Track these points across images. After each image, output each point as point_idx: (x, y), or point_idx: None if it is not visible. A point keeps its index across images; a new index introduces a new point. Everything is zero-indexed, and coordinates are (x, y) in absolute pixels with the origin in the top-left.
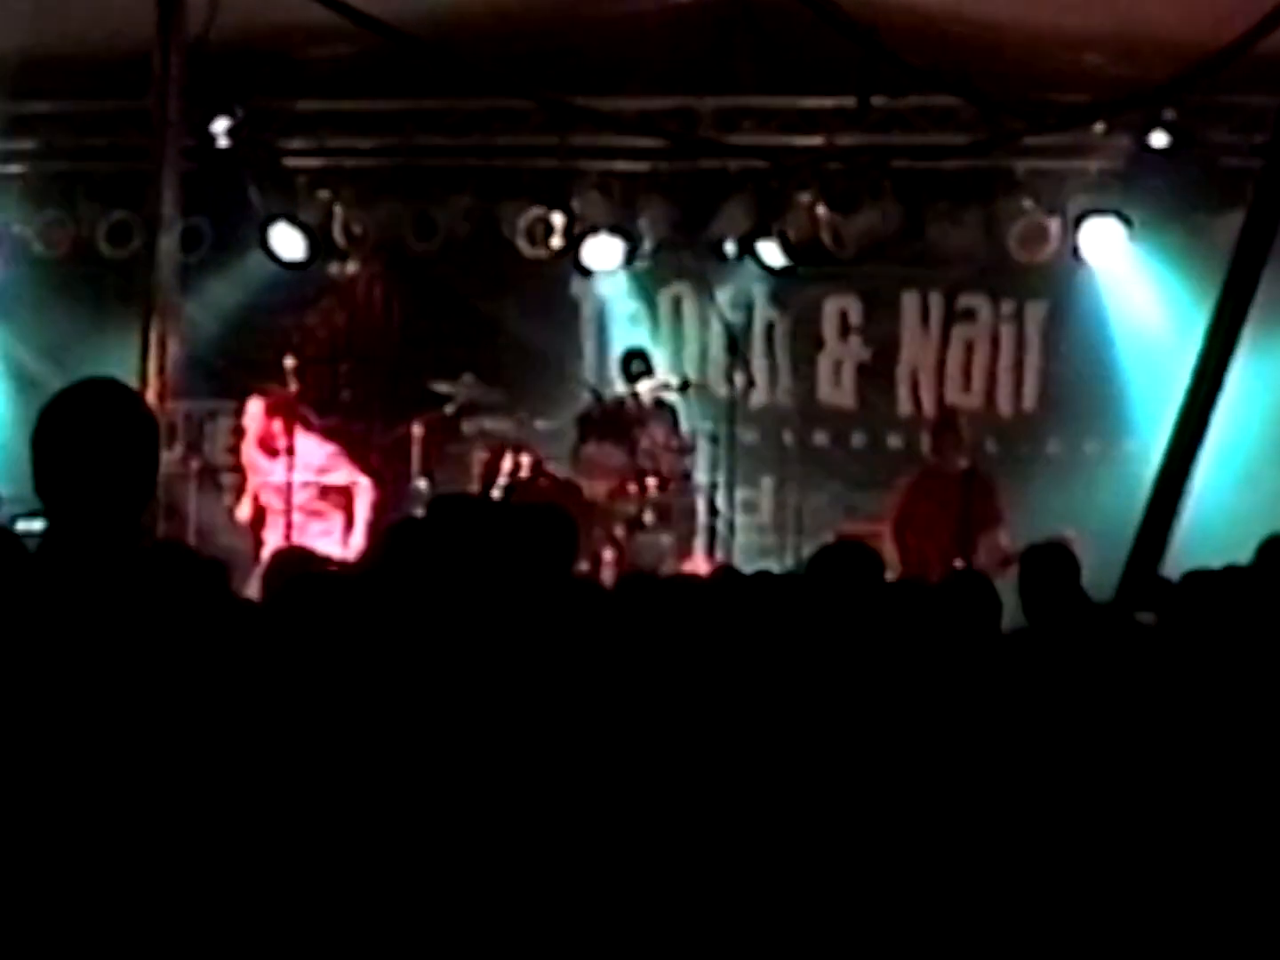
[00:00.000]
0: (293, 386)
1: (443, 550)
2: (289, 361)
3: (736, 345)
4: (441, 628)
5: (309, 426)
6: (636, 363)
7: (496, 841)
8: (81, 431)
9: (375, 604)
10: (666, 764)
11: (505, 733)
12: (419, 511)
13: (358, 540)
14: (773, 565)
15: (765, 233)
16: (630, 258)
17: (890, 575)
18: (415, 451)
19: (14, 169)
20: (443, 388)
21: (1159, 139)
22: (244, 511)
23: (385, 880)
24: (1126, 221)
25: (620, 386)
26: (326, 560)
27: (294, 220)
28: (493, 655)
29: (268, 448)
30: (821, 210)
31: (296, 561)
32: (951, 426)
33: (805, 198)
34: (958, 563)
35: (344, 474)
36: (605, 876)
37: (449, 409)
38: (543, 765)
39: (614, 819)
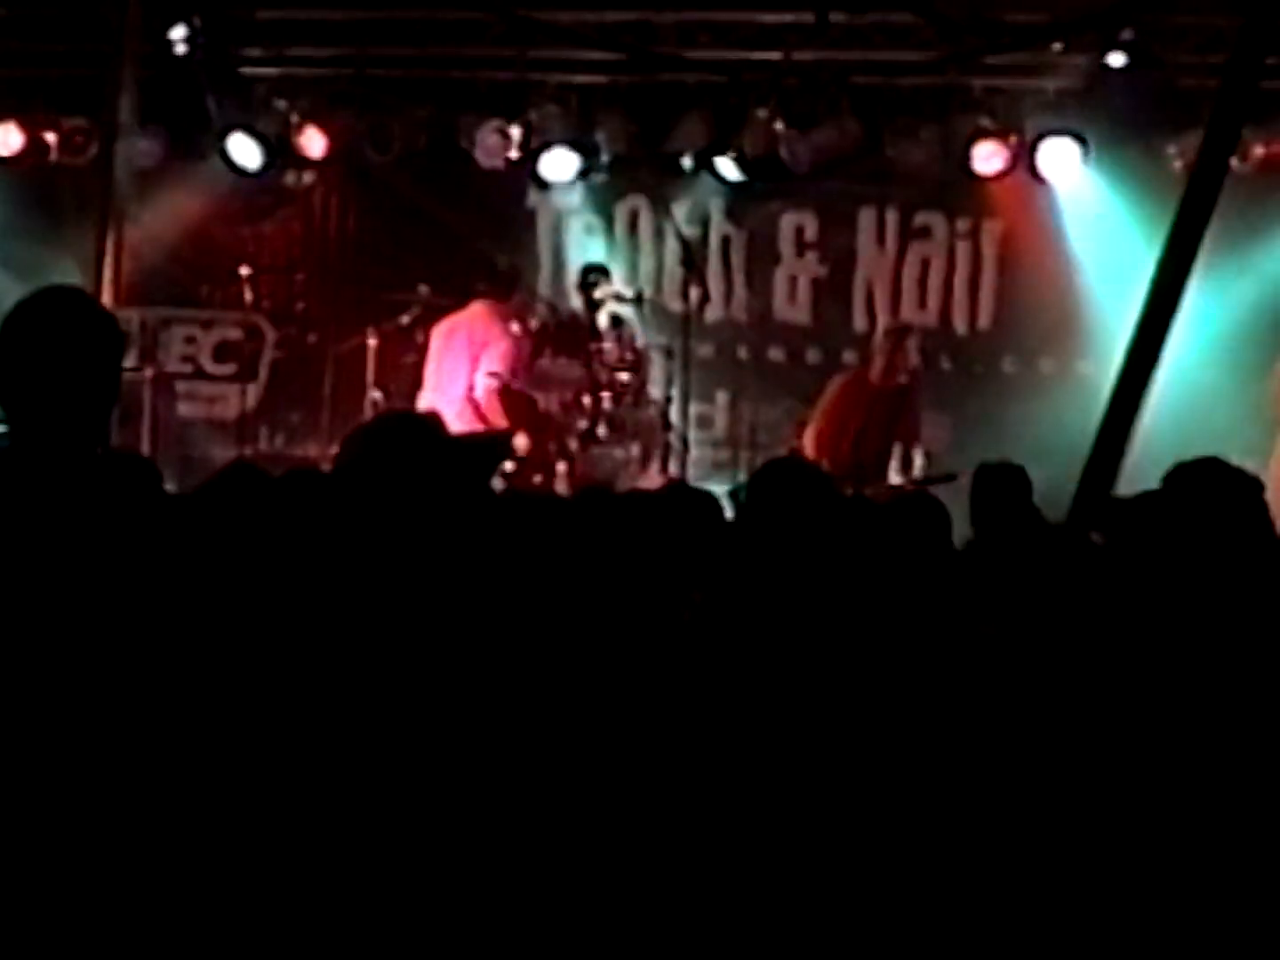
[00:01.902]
0: (248, 296)
1: (387, 463)
2: (244, 270)
3: (692, 260)
4: (390, 540)
5: None
6: (594, 275)
7: (438, 767)
8: (45, 340)
9: (319, 509)
10: (617, 687)
11: (455, 649)
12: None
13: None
14: (727, 480)
15: (722, 148)
16: (587, 171)
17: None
18: (370, 362)
19: None
20: (398, 298)
21: (1117, 59)
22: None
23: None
24: (1083, 142)
25: (575, 300)
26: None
27: (251, 129)
28: (439, 567)
29: None
30: (779, 126)
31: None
32: (902, 344)
33: (763, 113)
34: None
35: None
36: (556, 794)
37: (404, 319)
38: (495, 687)
39: (569, 753)
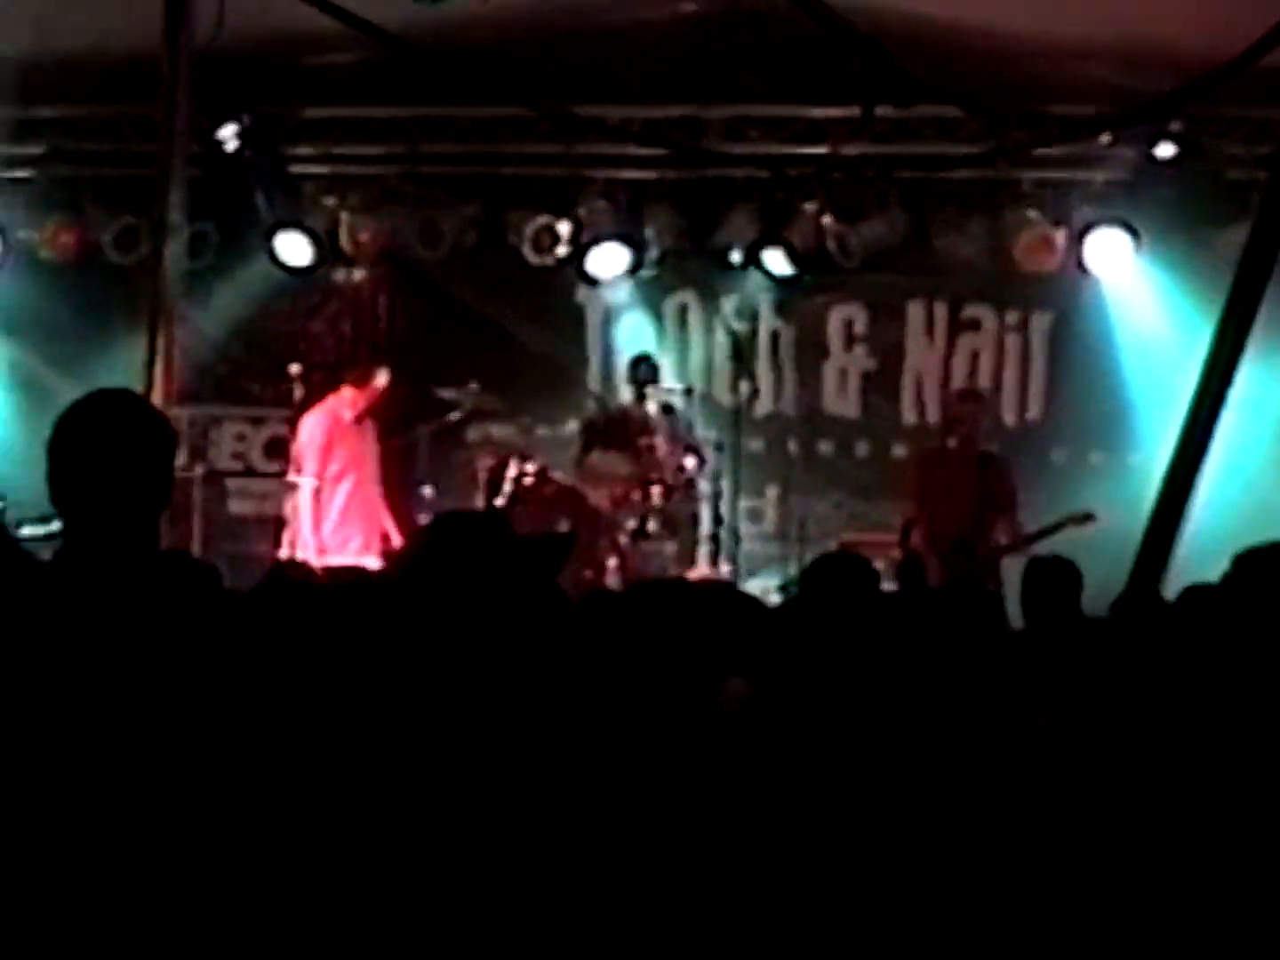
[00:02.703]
0: (297, 393)
1: (446, 565)
2: (294, 368)
3: (741, 354)
4: (445, 638)
5: None
6: (643, 368)
7: (496, 849)
8: (99, 443)
9: (376, 612)
10: (668, 769)
11: (506, 742)
12: (424, 519)
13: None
14: (777, 574)
15: (771, 241)
16: (636, 266)
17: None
18: (421, 458)
19: (20, 174)
20: (448, 395)
21: (1165, 150)
22: None
23: (376, 883)
24: (1132, 233)
25: (625, 394)
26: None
27: (300, 226)
28: (495, 663)
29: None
30: (827, 219)
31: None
32: (974, 409)
33: (810, 207)
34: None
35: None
36: (606, 877)
37: (454, 416)
38: (547, 772)
39: (619, 824)
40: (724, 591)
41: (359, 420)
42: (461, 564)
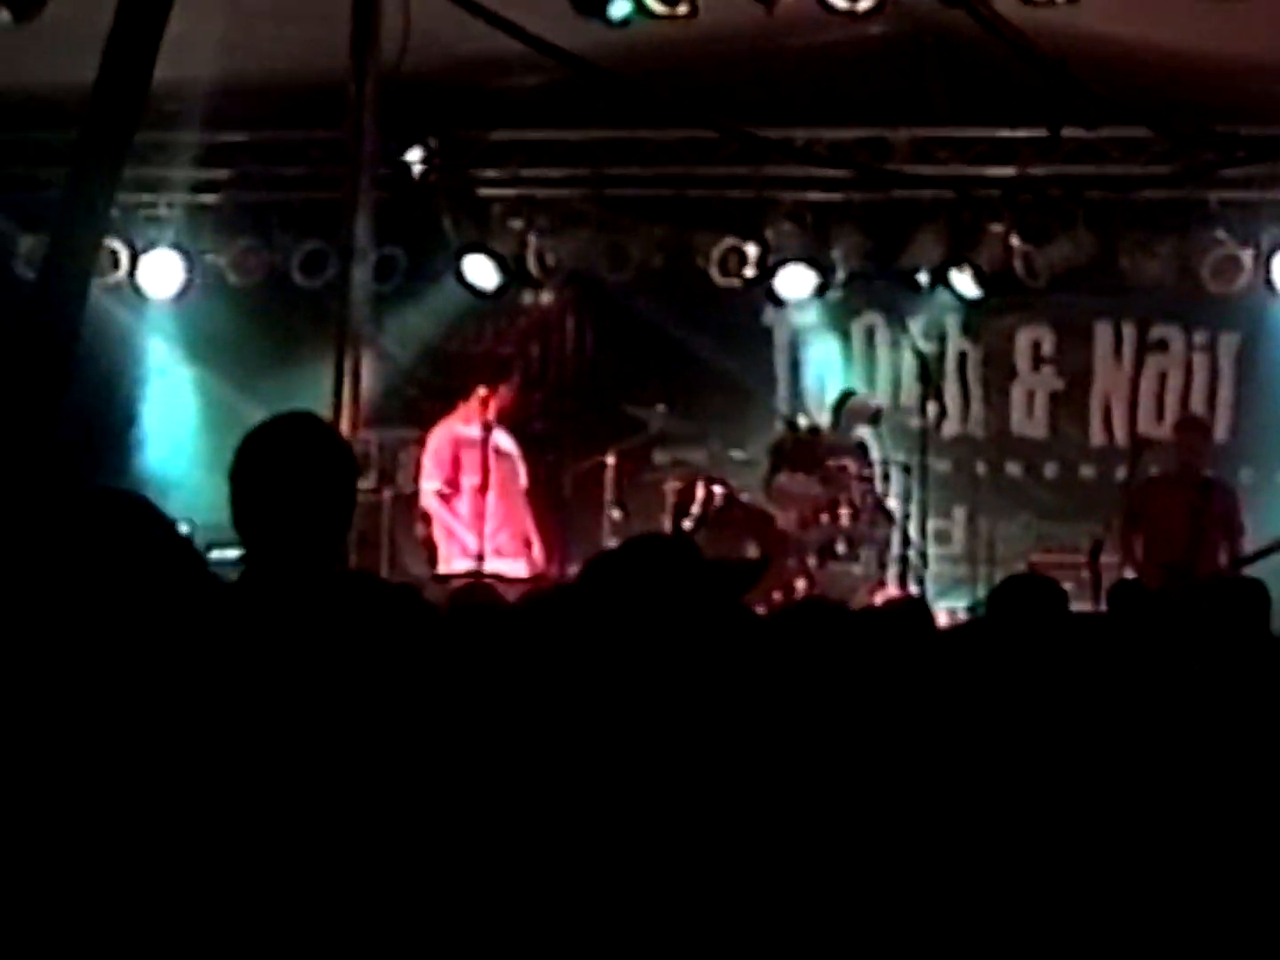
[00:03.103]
0: (489, 415)
1: (637, 588)
2: (482, 391)
3: (929, 375)
4: (633, 662)
5: None
6: (851, 400)
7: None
8: (279, 466)
9: (552, 639)
10: (847, 789)
11: (689, 764)
12: (612, 542)
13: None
14: (965, 596)
15: (957, 262)
16: (823, 288)
17: (1127, 575)
18: (608, 481)
19: (208, 199)
20: (636, 417)
21: None
22: None
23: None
24: None
25: (815, 415)
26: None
27: (487, 250)
28: (674, 690)
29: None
30: (1014, 240)
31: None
32: (1194, 437)
33: (997, 228)
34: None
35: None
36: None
37: (642, 439)
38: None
39: (815, 846)
40: (907, 614)
41: (487, 429)
42: (652, 587)
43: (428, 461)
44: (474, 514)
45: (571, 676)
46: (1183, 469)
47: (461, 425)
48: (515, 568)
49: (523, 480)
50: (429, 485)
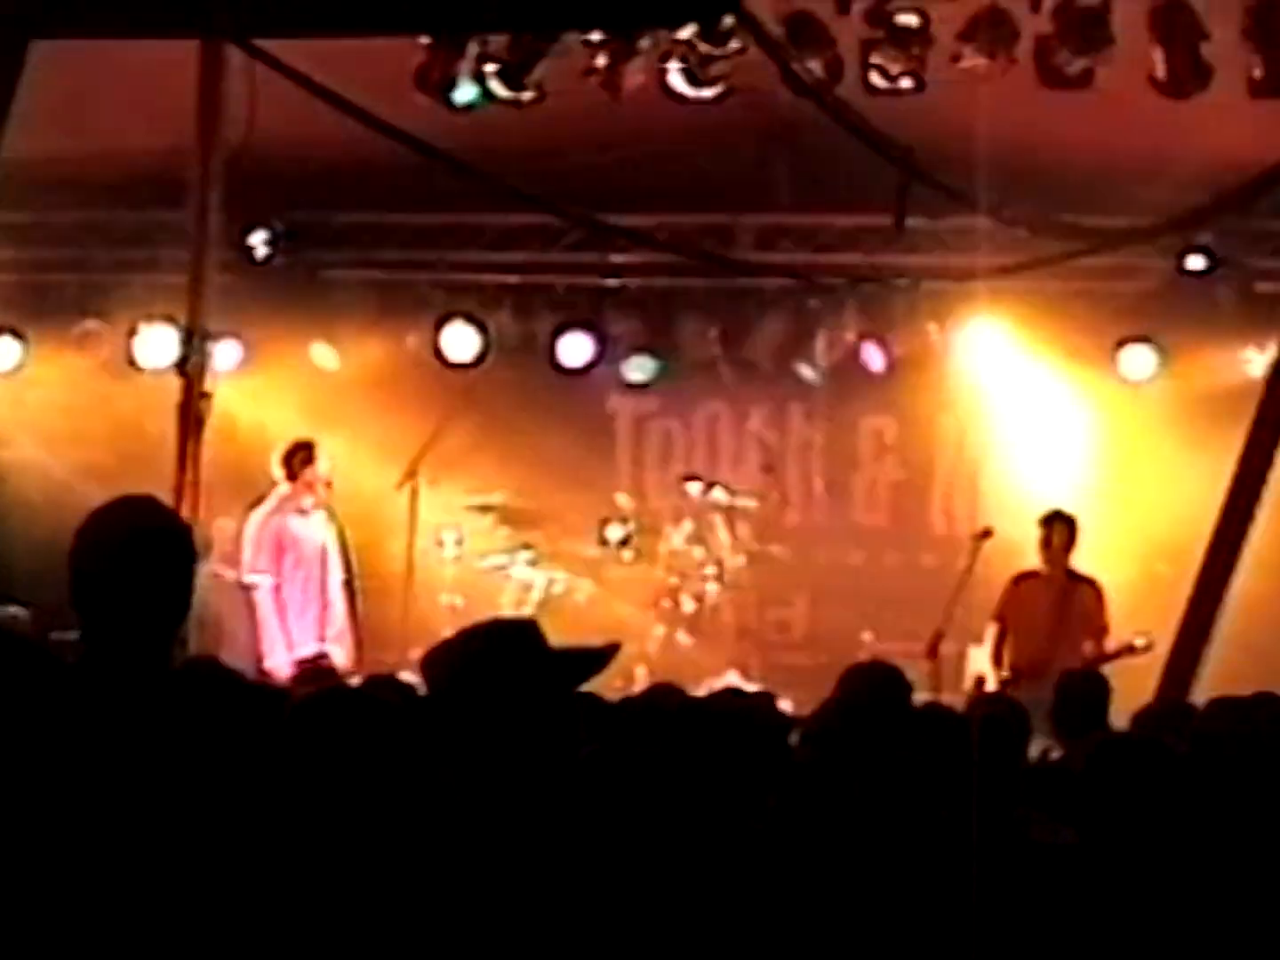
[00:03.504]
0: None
1: (479, 678)
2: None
3: (772, 463)
4: (477, 754)
5: None
6: (691, 484)
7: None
8: (118, 549)
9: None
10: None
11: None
12: (449, 628)
13: None
14: (806, 685)
15: (801, 351)
16: (666, 375)
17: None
18: (447, 567)
19: (53, 278)
20: (476, 501)
21: (1195, 262)
22: None
23: None
24: (1160, 347)
25: (656, 503)
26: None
27: (330, 334)
28: (524, 777)
29: None
30: (857, 329)
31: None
32: (1056, 532)
33: (841, 317)
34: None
35: None
36: None
37: (482, 524)
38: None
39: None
40: (750, 710)
41: (302, 512)
42: (501, 673)
43: (248, 549)
44: (293, 604)
45: (422, 764)
46: (1048, 566)
47: (276, 510)
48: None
49: (340, 569)
50: (253, 576)
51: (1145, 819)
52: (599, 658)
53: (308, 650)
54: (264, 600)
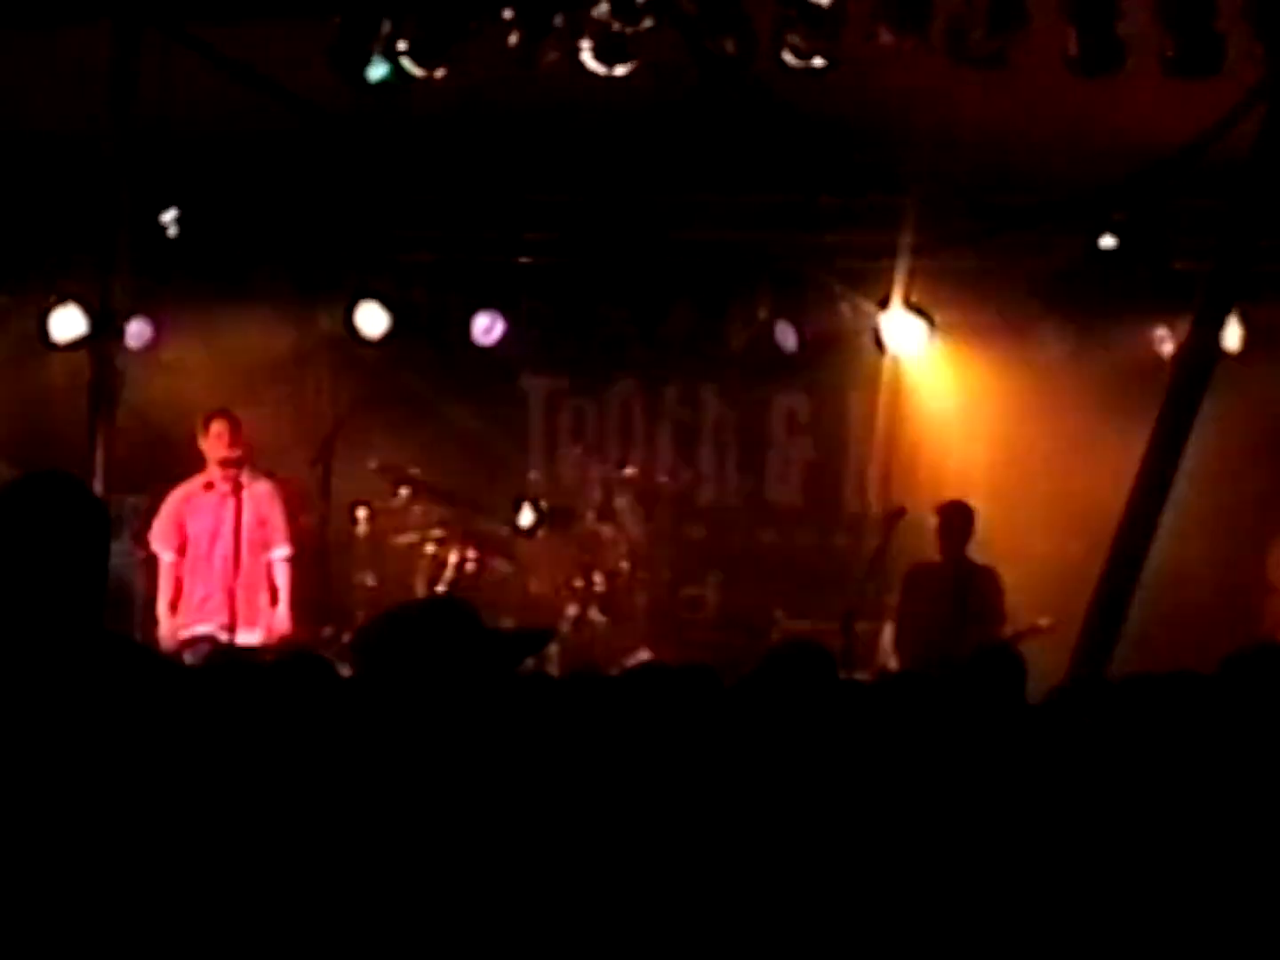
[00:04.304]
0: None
1: (418, 656)
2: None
3: (684, 441)
4: (411, 729)
5: None
6: (589, 459)
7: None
8: (32, 525)
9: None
10: (617, 859)
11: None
12: (363, 606)
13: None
14: (719, 663)
15: (714, 329)
16: (580, 353)
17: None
18: (361, 544)
19: None
20: (388, 479)
21: (1108, 241)
22: None
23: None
24: (1076, 323)
25: (568, 481)
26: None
27: (243, 310)
28: (459, 754)
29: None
30: (770, 308)
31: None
32: (952, 521)
33: (755, 295)
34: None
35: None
36: None
37: (395, 502)
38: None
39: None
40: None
41: (208, 488)
42: (446, 656)
43: (156, 524)
44: (190, 580)
45: (347, 744)
46: (944, 555)
47: (186, 485)
48: (249, 636)
49: (277, 541)
50: (161, 551)
51: (1061, 795)
52: (535, 640)
53: (199, 629)
54: (163, 575)
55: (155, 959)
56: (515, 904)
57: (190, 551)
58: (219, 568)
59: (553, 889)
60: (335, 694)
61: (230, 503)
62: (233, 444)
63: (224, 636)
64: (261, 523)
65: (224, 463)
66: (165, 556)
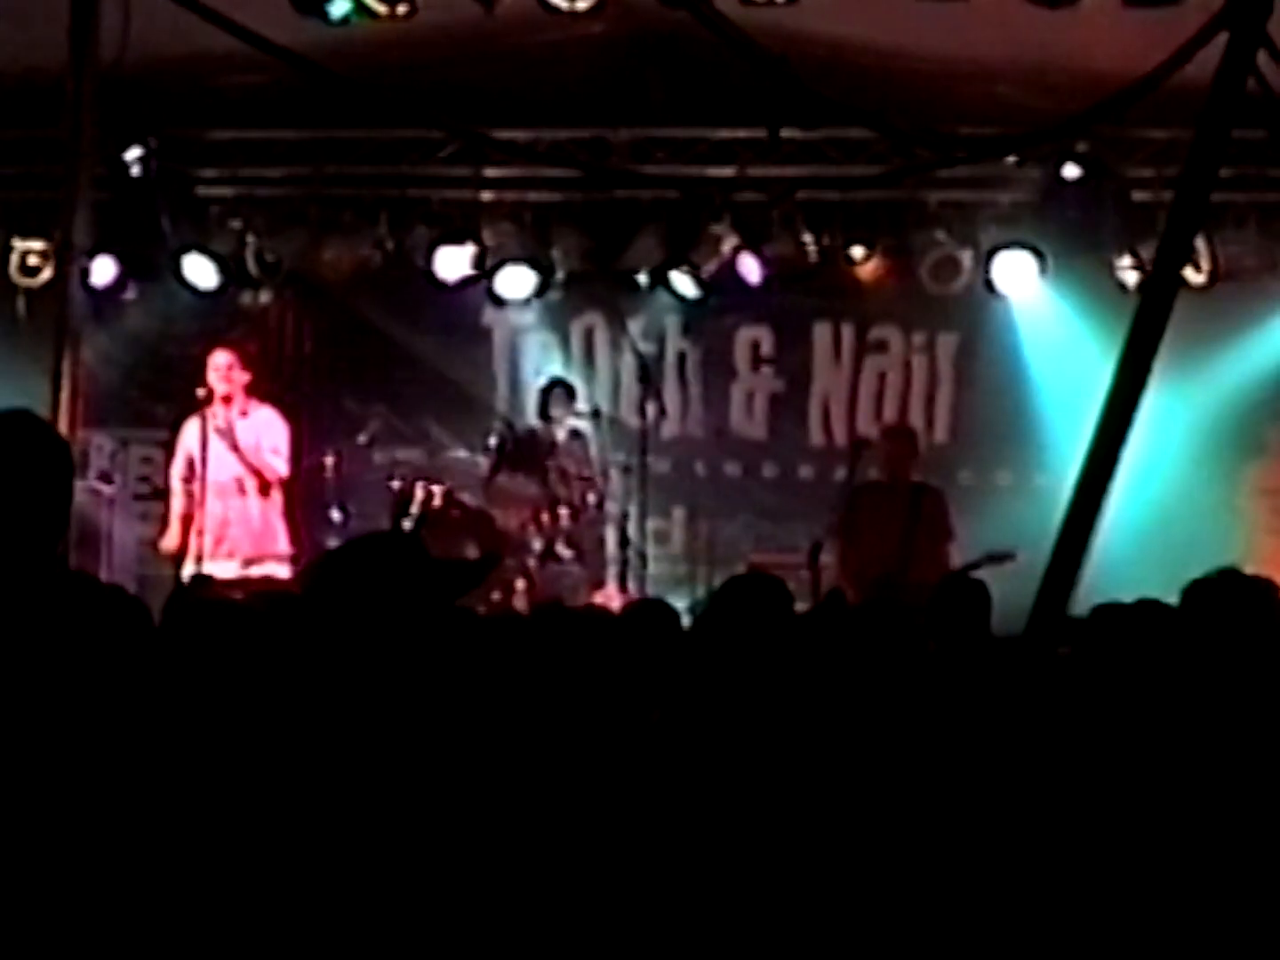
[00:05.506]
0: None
1: (356, 588)
2: (201, 391)
3: (649, 375)
4: (351, 663)
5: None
6: (558, 392)
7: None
8: None
9: (283, 637)
10: (576, 794)
11: (413, 770)
12: (332, 541)
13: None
14: (685, 595)
15: (677, 263)
16: (543, 288)
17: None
18: (328, 481)
19: None
20: (355, 417)
21: (1071, 171)
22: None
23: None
24: (1038, 254)
25: (533, 417)
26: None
27: (206, 250)
28: (400, 690)
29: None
30: (733, 241)
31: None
32: (901, 442)
33: (717, 229)
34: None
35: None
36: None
37: (361, 439)
38: (452, 802)
39: (524, 853)
40: (638, 610)
41: (215, 416)
42: (376, 586)
43: (178, 456)
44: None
45: (294, 677)
46: (891, 477)
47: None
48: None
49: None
50: (172, 481)
51: (1028, 724)
52: (477, 568)
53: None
54: (174, 505)
55: (118, 902)
56: (463, 843)
57: (199, 480)
58: (228, 496)
59: (500, 826)
60: (288, 629)
61: (238, 428)
62: (237, 374)
63: (244, 570)
64: (274, 450)
65: (227, 397)
66: (176, 487)
